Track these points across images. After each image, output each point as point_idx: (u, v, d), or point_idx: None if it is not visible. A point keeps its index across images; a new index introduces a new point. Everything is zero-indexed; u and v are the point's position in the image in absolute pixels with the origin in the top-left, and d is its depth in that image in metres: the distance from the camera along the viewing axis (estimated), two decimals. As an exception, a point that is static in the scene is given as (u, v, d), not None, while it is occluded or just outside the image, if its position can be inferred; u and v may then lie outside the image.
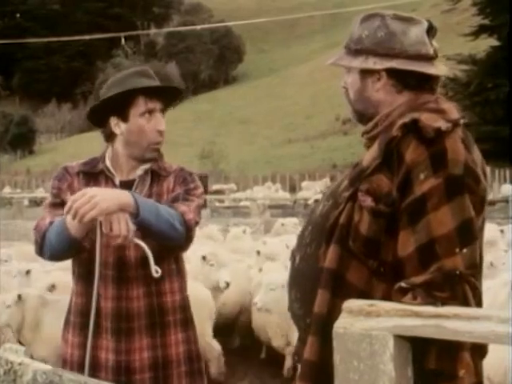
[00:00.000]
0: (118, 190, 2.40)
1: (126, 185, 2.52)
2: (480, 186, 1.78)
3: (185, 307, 2.59)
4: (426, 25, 1.91)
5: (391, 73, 1.89)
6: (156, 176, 2.56)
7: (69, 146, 50.06)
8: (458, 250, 1.69)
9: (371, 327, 1.50)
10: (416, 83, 1.90)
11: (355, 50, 1.93)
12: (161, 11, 78.94)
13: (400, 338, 1.50)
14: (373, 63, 1.90)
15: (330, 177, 25.32)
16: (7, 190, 27.13)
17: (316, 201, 2.10)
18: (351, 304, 1.59)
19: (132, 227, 2.24)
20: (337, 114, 44.61)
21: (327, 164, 35.48)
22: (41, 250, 2.45)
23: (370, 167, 1.78)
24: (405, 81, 1.90)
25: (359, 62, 1.92)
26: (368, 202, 1.76)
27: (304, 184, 26.53)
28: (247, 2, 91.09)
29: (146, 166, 2.56)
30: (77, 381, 1.60)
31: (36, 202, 21.99)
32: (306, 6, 75.35)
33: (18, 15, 75.76)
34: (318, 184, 24.62)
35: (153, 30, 68.05)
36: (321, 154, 37.96)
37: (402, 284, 1.69)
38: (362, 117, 1.99)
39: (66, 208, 2.21)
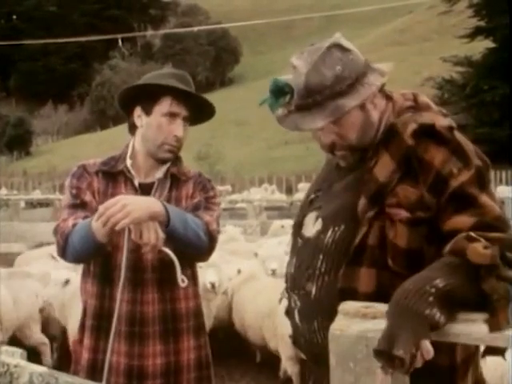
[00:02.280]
0: (150, 198, 2.38)
1: (146, 187, 2.51)
2: (489, 171, 1.82)
3: (198, 314, 2.57)
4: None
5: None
6: (175, 180, 2.54)
7: (65, 148, 49.98)
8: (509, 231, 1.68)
9: (367, 329, 1.50)
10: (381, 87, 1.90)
11: (348, 87, 1.80)
12: (157, 13, 78.94)
13: (396, 340, 1.49)
14: (374, 85, 1.83)
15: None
16: (4, 191, 27.03)
17: (298, 224, 2.01)
18: (347, 306, 1.59)
19: (162, 236, 2.23)
20: (333, 115, 44.50)
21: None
22: (63, 253, 2.42)
23: (392, 182, 1.75)
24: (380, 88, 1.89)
25: (361, 97, 1.81)
26: (403, 213, 1.73)
27: (300, 186, 26.49)
28: (244, 3, 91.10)
29: (165, 167, 2.54)
30: (73, 383, 1.60)
31: (32, 204, 21.92)
32: (303, 8, 75.38)
33: (15, 17, 75.68)
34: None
35: (149, 32, 68.05)
36: (317, 155, 37.88)
37: (471, 233, 1.61)
38: (362, 143, 1.89)
39: (97, 215, 2.19)
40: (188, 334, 2.52)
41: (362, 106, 1.84)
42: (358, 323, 1.52)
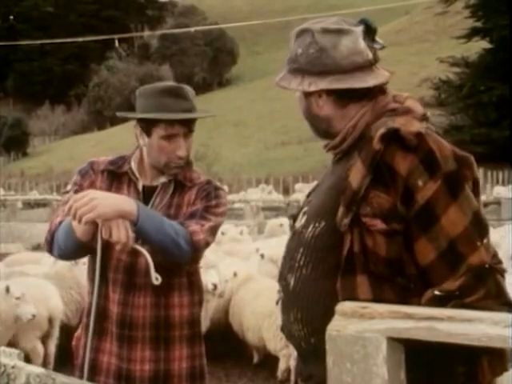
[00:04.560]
0: (123, 196, 2.36)
1: (149, 190, 2.50)
2: (473, 168, 1.79)
3: (193, 323, 2.53)
4: (359, 30, 1.87)
5: (329, 90, 1.88)
6: (179, 186, 2.52)
7: (62, 149, 49.88)
8: (479, 243, 1.70)
9: (364, 329, 1.50)
10: (359, 95, 1.88)
11: (293, 69, 1.92)
12: (154, 13, 78.81)
13: (393, 341, 1.50)
14: (308, 85, 1.88)
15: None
16: (1, 192, 26.98)
17: (294, 218, 2.04)
18: (345, 306, 1.59)
19: (132, 235, 2.22)
20: (330, 116, 44.52)
21: (320, 166, 35.37)
22: (50, 249, 2.45)
23: (362, 188, 1.75)
24: (346, 95, 1.89)
25: (296, 84, 1.91)
26: (378, 225, 1.73)
27: (297, 186, 26.49)
28: (241, 4, 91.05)
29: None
30: (70, 384, 1.60)
31: (30, 205, 21.90)
32: (300, 9, 75.33)
33: (12, 17, 75.56)
34: (311, 186, 24.56)
35: (146, 32, 67.91)
36: (314, 156, 37.92)
37: (436, 292, 1.68)
38: (318, 132, 1.99)
39: (67, 207, 2.21)
40: (181, 343, 2.49)
41: (306, 96, 1.94)
42: (355, 323, 1.52)
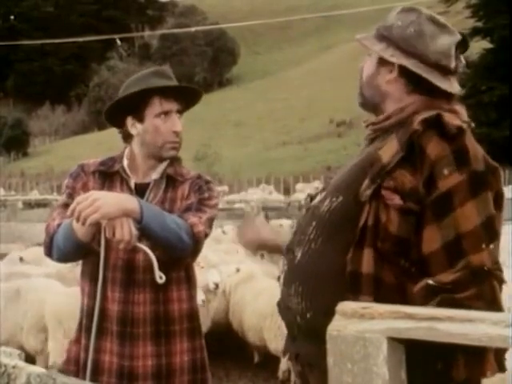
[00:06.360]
0: (124, 194, 2.38)
1: (142, 188, 2.51)
2: (499, 180, 1.82)
3: (192, 316, 2.55)
4: (458, 37, 1.92)
5: (404, 70, 1.91)
6: (171, 181, 2.54)
7: (63, 149, 49.96)
8: (484, 245, 1.71)
9: (365, 330, 1.50)
10: (427, 90, 1.91)
11: (382, 36, 1.95)
12: (155, 13, 78.99)
13: (394, 341, 1.50)
14: (390, 54, 1.91)
15: (323, 179, 25.26)
16: (1, 192, 26.99)
17: (311, 197, 2.06)
18: (345, 306, 1.59)
19: (135, 232, 2.22)
20: (331, 116, 44.66)
21: (321, 166, 35.45)
22: (49, 252, 2.46)
23: (392, 162, 1.77)
24: (415, 83, 1.91)
25: (379, 48, 1.93)
26: (396, 200, 1.75)
27: (298, 186, 26.49)
28: (241, 4, 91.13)
29: (162, 167, 2.54)
30: (71, 384, 1.60)
31: (30, 205, 21.92)
32: (300, 9, 75.38)
33: (12, 17, 75.65)
34: (311, 186, 24.58)
35: (147, 32, 68.01)
36: (315, 156, 37.98)
37: (429, 281, 1.70)
38: (367, 102, 2.02)
39: (70, 210, 2.21)
40: (181, 337, 2.50)
41: (379, 64, 1.96)
42: (356, 323, 1.52)
